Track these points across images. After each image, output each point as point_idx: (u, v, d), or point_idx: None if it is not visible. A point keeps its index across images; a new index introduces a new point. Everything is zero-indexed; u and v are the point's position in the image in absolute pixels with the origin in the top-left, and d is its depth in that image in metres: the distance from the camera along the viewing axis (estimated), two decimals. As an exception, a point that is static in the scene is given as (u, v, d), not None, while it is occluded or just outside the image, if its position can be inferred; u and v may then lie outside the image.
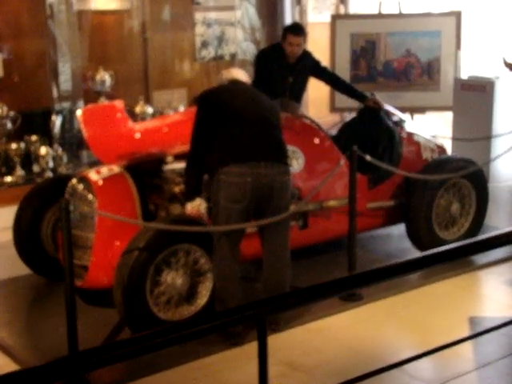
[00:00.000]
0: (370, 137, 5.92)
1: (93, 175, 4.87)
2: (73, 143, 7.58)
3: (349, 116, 6.76)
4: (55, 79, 7.54)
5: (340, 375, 3.77)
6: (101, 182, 4.81)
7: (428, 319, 4.83)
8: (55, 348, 4.32)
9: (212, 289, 4.59)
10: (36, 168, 7.11)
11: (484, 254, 5.43)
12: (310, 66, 6.21)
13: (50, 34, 7.46)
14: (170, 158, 4.98)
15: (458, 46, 8.02)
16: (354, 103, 6.44)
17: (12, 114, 7.09)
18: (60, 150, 7.22)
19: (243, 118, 4.45)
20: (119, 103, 5.39)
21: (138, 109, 7.76)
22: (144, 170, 5.02)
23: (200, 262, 4.60)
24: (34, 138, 7.12)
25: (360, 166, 5.13)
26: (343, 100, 7.12)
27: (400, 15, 8.37)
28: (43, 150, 7.05)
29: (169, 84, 8.33)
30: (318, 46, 8.07)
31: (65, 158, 7.25)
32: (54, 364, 2.23)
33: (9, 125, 7.07)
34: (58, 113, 7.39)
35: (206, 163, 4.47)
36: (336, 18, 8.64)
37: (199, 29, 8.48)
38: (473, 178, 5.84)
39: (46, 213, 5.30)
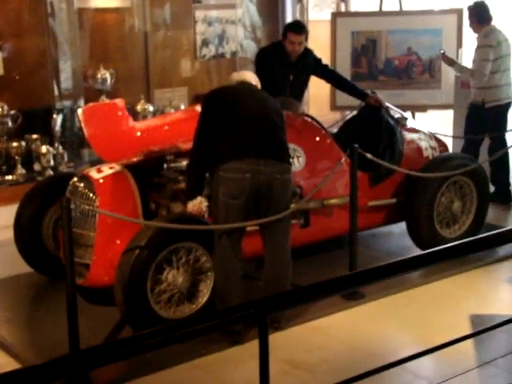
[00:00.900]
0: (370, 135, 5.92)
1: (94, 174, 4.87)
2: (74, 142, 7.58)
3: (350, 114, 6.75)
4: (56, 77, 7.53)
5: (341, 373, 3.77)
6: (102, 181, 4.80)
7: (429, 317, 4.83)
8: (56, 346, 4.32)
9: (213, 287, 4.59)
10: (37, 166, 7.11)
11: (485, 253, 5.43)
12: (310, 64, 6.20)
13: (51, 33, 7.45)
14: (170, 157, 4.97)
15: (459, 44, 8.00)
16: (355, 101, 6.43)
17: (13, 112, 7.08)
18: (61, 149, 7.22)
19: (246, 117, 4.46)
20: (120, 102, 5.39)
21: (138, 107, 7.75)
22: (145, 169, 5.02)
23: (201, 261, 4.60)
24: (34, 136, 7.12)
25: (361, 164, 5.13)
26: (344, 98, 7.12)
27: (401, 13, 8.35)
28: (44, 149, 7.05)
29: (170, 82, 8.32)
30: (318, 43, 8.06)
31: (66, 157, 7.25)
32: (55, 362, 2.23)
33: (10, 123, 7.07)
34: (58, 111, 7.38)
35: (209, 162, 4.48)
36: (337, 15, 8.63)
37: (200, 27, 8.47)
38: (474, 176, 5.83)
39: (46, 211, 5.30)
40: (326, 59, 6.87)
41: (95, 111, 5.31)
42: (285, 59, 6.09)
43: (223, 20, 8.61)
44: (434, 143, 6.11)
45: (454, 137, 7.38)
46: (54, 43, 7.49)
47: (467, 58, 8.48)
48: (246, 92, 4.63)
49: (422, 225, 5.62)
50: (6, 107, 7.03)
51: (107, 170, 4.89)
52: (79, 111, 5.30)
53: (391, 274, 2.99)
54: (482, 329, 3.70)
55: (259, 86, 4.81)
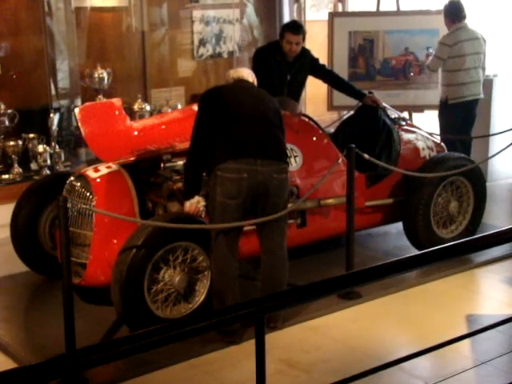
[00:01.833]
0: (368, 135, 5.93)
1: (91, 173, 4.86)
2: (70, 141, 7.57)
3: (347, 114, 6.76)
4: (53, 77, 7.53)
5: (338, 373, 3.78)
6: (99, 180, 4.80)
7: (426, 317, 4.83)
8: (53, 346, 4.32)
9: (210, 286, 4.59)
10: (34, 166, 7.11)
11: (482, 253, 5.44)
12: (308, 64, 6.20)
13: (48, 32, 7.45)
14: (167, 156, 4.97)
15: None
16: (352, 101, 6.43)
17: (10, 111, 7.08)
18: (58, 148, 7.21)
19: (242, 116, 4.46)
20: (117, 101, 5.39)
21: (135, 106, 7.75)
22: (142, 168, 5.01)
23: (198, 260, 4.60)
24: (31, 135, 7.11)
25: (358, 164, 5.14)
26: (341, 98, 7.11)
27: (398, 13, 8.35)
28: (41, 148, 7.04)
29: (167, 82, 8.32)
30: (316, 43, 8.07)
31: (62, 156, 7.24)
32: (51, 362, 2.23)
33: (6, 122, 7.07)
34: (55, 110, 7.38)
35: (206, 161, 4.48)
36: (334, 15, 8.63)
37: (197, 26, 8.47)
38: (471, 176, 5.84)
39: (43, 210, 5.30)
40: (323, 59, 6.87)
41: (92, 110, 5.31)
42: (282, 59, 6.09)
43: (220, 20, 8.61)
44: (430, 143, 6.12)
45: (449, 137, 7.38)
46: (51, 42, 7.49)
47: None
48: (242, 91, 4.62)
49: (418, 225, 5.62)
50: (2, 106, 7.03)
51: (104, 169, 4.89)
52: (76, 110, 5.29)
53: (388, 274, 2.99)
54: (479, 329, 3.71)
55: (256, 83, 4.80)
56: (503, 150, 6.22)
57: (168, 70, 8.36)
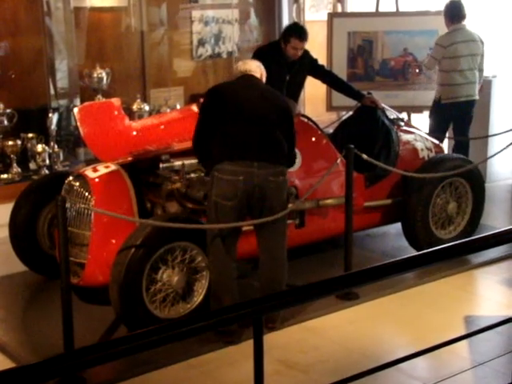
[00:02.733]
0: (366, 135, 5.93)
1: (89, 173, 4.86)
2: (69, 141, 7.57)
3: (346, 115, 6.76)
4: (52, 76, 7.53)
5: (336, 374, 3.78)
6: (97, 180, 4.80)
7: (424, 318, 4.83)
8: (51, 345, 4.32)
9: (208, 287, 4.59)
10: (32, 165, 7.10)
11: (480, 254, 5.44)
12: (307, 65, 6.20)
13: (47, 32, 7.45)
14: (166, 156, 4.97)
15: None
16: (351, 102, 6.43)
17: (8, 111, 7.08)
18: (56, 148, 7.20)
19: (242, 117, 4.45)
20: (116, 101, 5.39)
21: (134, 106, 7.75)
22: (140, 168, 5.01)
23: (196, 260, 4.60)
24: (30, 135, 7.11)
25: (357, 165, 5.14)
26: (340, 99, 7.11)
27: (397, 14, 8.35)
28: (40, 148, 7.04)
29: (166, 82, 8.32)
30: (315, 44, 8.06)
31: (61, 156, 7.23)
32: (49, 361, 2.23)
33: (5, 122, 7.06)
34: (54, 110, 7.37)
35: (209, 157, 4.49)
36: (333, 16, 8.63)
37: (196, 27, 8.47)
38: (469, 177, 5.84)
39: (42, 210, 5.29)
40: (322, 60, 6.87)
41: (91, 110, 5.31)
42: (281, 59, 6.09)
43: (220, 20, 8.61)
44: (429, 144, 6.12)
45: (449, 138, 7.39)
46: (50, 42, 7.49)
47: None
48: (246, 89, 4.57)
49: (417, 225, 5.62)
50: (1, 106, 7.03)
51: (103, 169, 4.89)
52: (75, 110, 5.30)
53: (386, 275, 2.99)
54: (476, 330, 3.71)
55: (264, 77, 4.76)
56: (502, 150, 6.23)
57: (167, 70, 8.36)
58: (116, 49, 8.02)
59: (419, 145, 6.05)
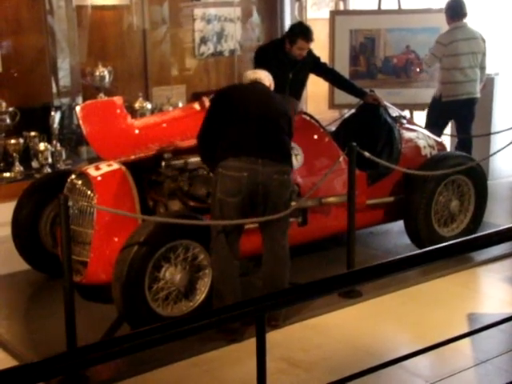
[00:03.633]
0: (369, 133, 5.92)
1: (92, 171, 4.86)
2: (72, 139, 7.57)
3: (348, 112, 6.76)
4: (54, 75, 7.53)
5: (339, 372, 3.77)
6: (100, 178, 4.80)
7: (427, 316, 4.83)
8: (54, 344, 4.32)
9: (210, 285, 4.59)
10: (35, 164, 7.10)
11: (482, 251, 5.44)
12: (309, 63, 6.20)
13: (49, 30, 7.45)
14: (168, 154, 4.97)
15: (457, 43, 7.99)
16: (353, 100, 6.43)
17: (11, 109, 7.08)
18: (59, 146, 7.21)
19: (248, 116, 4.47)
20: (118, 99, 5.40)
21: (137, 105, 7.75)
22: (143, 166, 5.01)
23: (199, 258, 4.60)
24: (32, 133, 7.11)
25: (359, 163, 5.13)
26: (342, 96, 7.11)
27: (399, 11, 8.34)
28: (42, 146, 7.04)
29: (168, 80, 8.32)
30: (317, 42, 7.99)
31: (64, 154, 7.24)
32: (52, 360, 2.23)
33: (8, 120, 7.07)
34: (56, 108, 7.37)
35: (213, 156, 4.50)
36: (335, 14, 8.62)
37: (198, 25, 8.46)
38: (472, 175, 5.84)
39: (44, 208, 5.29)
40: (324, 57, 6.87)
41: (93, 109, 5.32)
42: (284, 58, 6.08)
43: (222, 18, 8.60)
44: (432, 142, 6.12)
45: (451, 135, 7.39)
46: (52, 40, 7.49)
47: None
48: (253, 92, 4.62)
49: (419, 223, 5.62)
50: (4, 104, 7.03)
51: (105, 167, 4.89)
52: (77, 108, 5.30)
53: (389, 273, 2.99)
54: (479, 327, 3.71)
55: (272, 87, 4.79)
56: (504, 147, 6.22)
57: (169, 69, 8.36)
58: (118, 47, 8.02)
59: (422, 142, 6.04)
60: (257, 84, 4.69)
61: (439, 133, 6.94)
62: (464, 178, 5.81)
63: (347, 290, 4.95)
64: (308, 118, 5.60)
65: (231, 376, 4.15)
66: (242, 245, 4.59)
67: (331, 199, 5.36)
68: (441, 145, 6.22)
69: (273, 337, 4.33)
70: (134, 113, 7.44)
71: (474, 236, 3.30)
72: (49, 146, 7.08)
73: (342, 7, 9.50)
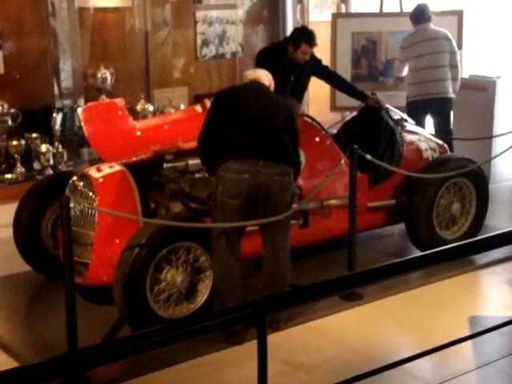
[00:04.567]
0: (370, 136, 5.92)
1: (93, 173, 4.86)
2: (73, 141, 7.57)
3: (349, 115, 6.76)
4: (56, 76, 7.53)
5: (340, 374, 3.77)
6: (101, 180, 4.80)
7: (428, 318, 4.83)
8: (55, 345, 4.32)
9: (212, 287, 4.59)
10: (36, 165, 7.11)
11: (484, 254, 5.42)
12: (311, 66, 6.21)
13: (52, 32, 7.46)
14: (170, 156, 4.97)
15: (459, 46, 8.00)
16: (355, 102, 6.43)
17: (13, 110, 7.08)
18: (60, 148, 7.21)
19: (248, 118, 4.47)
20: (120, 101, 5.40)
21: (138, 107, 7.75)
22: (144, 168, 5.02)
23: (200, 260, 4.60)
24: (34, 135, 7.11)
25: (360, 165, 5.13)
26: (344, 99, 7.12)
27: (401, 14, 8.34)
28: (44, 148, 7.04)
29: (170, 82, 8.32)
30: (319, 44, 8.02)
31: (65, 156, 7.24)
32: (53, 361, 2.23)
33: (9, 122, 7.07)
34: (58, 110, 7.38)
35: (214, 158, 4.50)
36: (337, 16, 8.63)
37: (200, 27, 8.47)
38: (473, 178, 5.83)
39: (46, 210, 5.29)
40: (326, 60, 6.87)
41: (95, 110, 5.32)
42: (286, 60, 6.09)
43: (224, 20, 8.61)
44: (433, 145, 6.11)
45: (453, 138, 7.38)
46: (54, 42, 7.49)
47: (467, 60, 8.52)
48: (253, 92, 4.62)
49: (421, 226, 5.62)
50: (6, 106, 7.04)
51: (107, 169, 4.89)
52: (79, 110, 5.31)
53: (390, 275, 2.99)
54: (481, 330, 3.71)
55: (272, 86, 4.79)
56: (506, 151, 6.22)
57: (171, 71, 8.36)
58: (120, 49, 8.03)
59: (423, 145, 6.04)
60: (256, 84, 4.69)
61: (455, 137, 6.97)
62: (465, 181, 5.80)
63: (348, 293, 4.94)
64: (310, 120, 5.60)
65: (232, 378, 4.15)
66: (243, 247, 4.59)
67: (333, 201, 5.36)
68: (442, 147, 6.22)
69: (274, 339, 4.32)
70: (135, 115, 7.44)
71: (475, 239, 3.30)
72: (50, 148, 7.08)
73: (343, 10, 9.49)
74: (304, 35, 6.08)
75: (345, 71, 7.85)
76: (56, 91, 7.51)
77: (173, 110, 7.73)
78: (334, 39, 8.38)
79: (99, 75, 7.66)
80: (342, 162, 5.28)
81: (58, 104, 7.49)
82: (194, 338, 2.57)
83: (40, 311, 4.98)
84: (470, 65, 8.78)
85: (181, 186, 4.89)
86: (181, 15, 8.40)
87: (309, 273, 5.29)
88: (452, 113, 7.79)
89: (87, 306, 4.84)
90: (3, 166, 7.01)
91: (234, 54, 8.74)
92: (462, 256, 3.61)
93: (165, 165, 4.98)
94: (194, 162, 4.94)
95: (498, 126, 7.72)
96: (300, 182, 5.22)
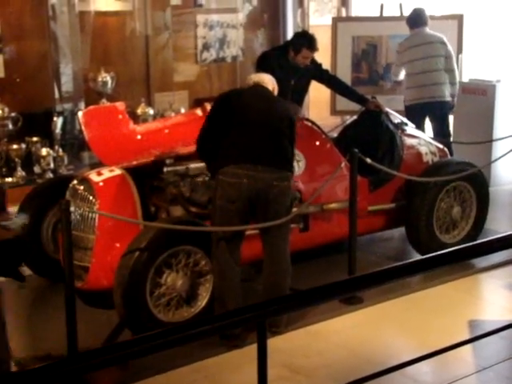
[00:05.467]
0: (370, 140, 5.92)
1: (94, 176, 4.87)
2: (74, 144, 7.58)
3: (350, 119, 6.76)
4: (57, 80, 7.55)
5: (340, 378, 3.78)
6: (102, 184, 4.80)
7: (428, 322, 4.83)
8: (54, 349, 4.32)
9: (212, 291, 4.59)
10: (37, 169, 7.12)
11: (484, 258, 5.43)
12: (311, 69, 6.22)
13: (52, 35, 7.47)
14: (170, 160, 4.98)
15: (459, 50, 8.01)
16: (355, 106, 6.44)
17: (13, 114, 7.10)
18: (61, 151, 7.22)
19: (248, 122, 4.47)
20: (120, 105, 5.41)
21: (139, 110, 7.77)
22: (145, 172, 5.02)
23: (200, 264, 4.60)
24: (35, 138, 7.13)
25: (361, 169, 5.13)
26: (344, 103, 7.12)
27: (401, 18, 8.33)
28: (44, 151, 7.06)
29: (170, 86, 8.33)
30: (319, 48, 8.07)
31: (66, 159, 7.25)
32: (53, 365, 2.23)
33: (10, 126, 7.08)
34: (59, 114, 7.39)
35: (213, 161, 4.50)
36: (337, 20, 8.64)
37: (201, 31, 8.48)
38: (474, 182, 5.84)
39: (46, 214, 5.29)
40: (326, 64, 6.88)
41: (96, 114, 5.33)
42: (286, 64, 6.10)
43: (224, 24, 8.62)
44: (433, 148, 6.12)
45: (453, 142, 7.38)
46: (55, 46, 7.51)
47: (467, 64, 8.52)
48: (255, 96, 4.61)
49: (421, 230, 5.62)
50: (6, 109, 7.05)
51: (107, 173, 4.89)
52: (80, 114, 5.31)
53: (390, 279, 2.99)
54: (481, 334, 3.71)
55: (276, 91, 4.79)
56: (506, 154, 6.22)
57: (171, 74, 8.37)
58: (121, 53, 8.04)
59: (423, 149, 6.04)
60: (259, 87, 4.68)
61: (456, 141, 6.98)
62: (466, 185, 5.80)
63: (348, 297, 4.94)
64: (310, 124, 5.60)
65: (232, 382, 4.15)
66: (243, 250, 4.59)
67: (333, 205, 5.36)
68: (442, 151, 6.22)
69: (274, 343, 4.32)
70: (136, 118, 7.45)
71: (475, 242, 3.32)
72: (51, 152, 7.09)
73: (344, 14, 9.51)
74: (305, 40, 6.10)
75: (345, 75, 7.86)
76: (56, 95, 7.53)
77: (173, 114, 7.74)
78: (335, 43, 8.39)
79: (100, 79, 7.68)
80: (343, 165, 5.28)
81: (59, 108, 7.51)
82: (194, 342, 2.58)
83: (40, 315, 4.98)
84: (470, 69, 8.79)
85: (181, 190, 4.88)
86: (181, 19, 8.41)
87: (309, 276, 5.29)
88: (452, 117, 7.82)
89: (87, 309, 4.83)
90: (4, 169, 7.02)
91: (234, 58, 8.75)
92: (462, 260, 3.62)
93: (165, 169, 4.98)
94: (195, 165, 4.95)
95: (498, 129, 7.72)
96: (300, 185, 5.22)
